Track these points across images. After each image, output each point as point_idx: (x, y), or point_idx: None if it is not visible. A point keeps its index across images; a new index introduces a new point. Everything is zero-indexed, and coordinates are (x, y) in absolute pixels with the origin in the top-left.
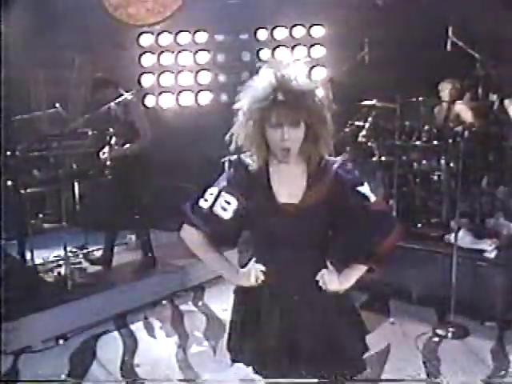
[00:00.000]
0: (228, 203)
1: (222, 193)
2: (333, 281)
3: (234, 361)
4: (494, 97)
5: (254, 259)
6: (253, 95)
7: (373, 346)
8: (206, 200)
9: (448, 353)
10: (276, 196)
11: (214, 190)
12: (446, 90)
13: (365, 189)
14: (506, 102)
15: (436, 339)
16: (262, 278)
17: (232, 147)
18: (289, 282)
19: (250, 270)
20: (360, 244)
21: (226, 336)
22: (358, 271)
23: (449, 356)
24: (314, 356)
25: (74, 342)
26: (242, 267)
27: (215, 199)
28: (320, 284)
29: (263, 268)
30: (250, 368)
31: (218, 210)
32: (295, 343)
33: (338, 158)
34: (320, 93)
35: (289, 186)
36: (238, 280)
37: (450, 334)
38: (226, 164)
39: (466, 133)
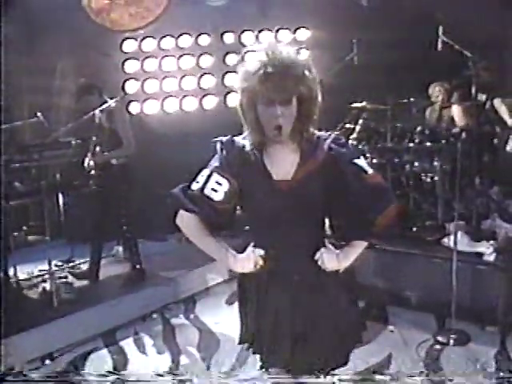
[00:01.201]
0: (219, 184)
1: (213, 174)
2: (331, 259)
3: (240, 342)
4: (482, 97)
5: (252, 244)
6: (243, 72)
7: (373, 355)
8: (197, 182)
9: (450, 360)
10: (271, 174)
11: (205, 172)
12: (436, 92)
13: (361, 161)
14: (496, 102)
15: (438, 347)
16: (261, 262)
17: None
18: (288, 262)
19: (249, 255)
20: (360, 218)
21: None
22: (357, 248)
23: (452, 363)
24: (313, 336)
25: (60, 362)
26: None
27: (206, 181)
28: (319, 263)
29: (262, 252)
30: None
31: (208, 191)
32: (296, 324)
33: (330, 132)
34: (312, 68)
35: (283, 163)
36: (237, 266)
37: (451, 341)
38: (218, 145)
39: (464, 134)
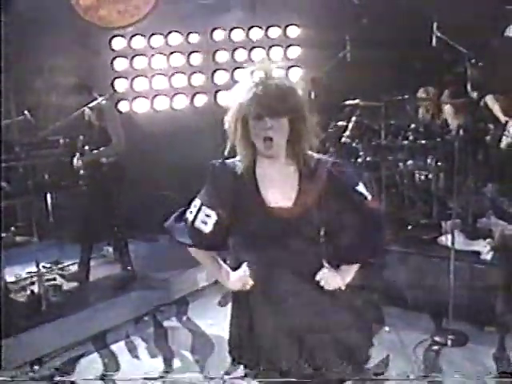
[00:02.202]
0: (208, 216)
1: (202, 207)
2: (334, 279)
3: (233, 362)
4: (474, 94)
5: (245, 263)
6: (236, 91)
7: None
8: (190, 212)
9: (449, 361)
10: (265, 200)
11: (197, 202)
12: (423, 96)
13: (361, 188)
14: (488, 99)
15: (435, 347)
16: (250, 282)
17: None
18: (282, 285)
19: (241, 276)
20: (363, 242)
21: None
22: (354, 266)
23: (450, 365)
24: (313, 355)
25: (50, 367)
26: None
27: (196, 213)
28: (321, 284)
29: (249, 273)
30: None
31: (198, 224)
32: (292, 345)
33: (327, 156)
34: (301, 92)
35: (278, 188)
36: (229, 285)
37: (449, 342)
38: (210, 169)
39: (462, 131)
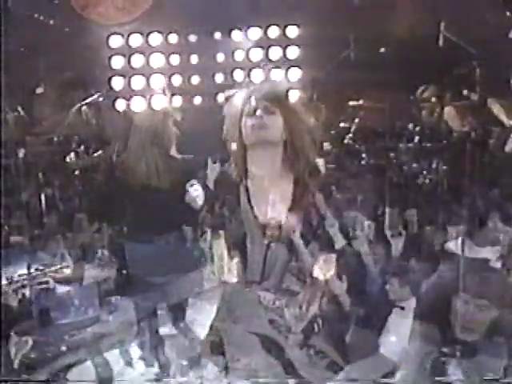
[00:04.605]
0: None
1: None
2: (330, 266)
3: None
4: (477, 96)
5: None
6: (234, 99)
7: (377, 368)
8: None
9: (459, 373)
10: (256, 214)
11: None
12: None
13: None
14: (491, 102)
15: (443, 359)
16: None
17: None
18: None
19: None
20: None
21: None
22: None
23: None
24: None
25: (40, 375)
26: None
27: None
28: (319, 276)
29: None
30: None
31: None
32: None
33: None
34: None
35: (271, 203)
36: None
37: (458, 353)
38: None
39: (473, 134)
